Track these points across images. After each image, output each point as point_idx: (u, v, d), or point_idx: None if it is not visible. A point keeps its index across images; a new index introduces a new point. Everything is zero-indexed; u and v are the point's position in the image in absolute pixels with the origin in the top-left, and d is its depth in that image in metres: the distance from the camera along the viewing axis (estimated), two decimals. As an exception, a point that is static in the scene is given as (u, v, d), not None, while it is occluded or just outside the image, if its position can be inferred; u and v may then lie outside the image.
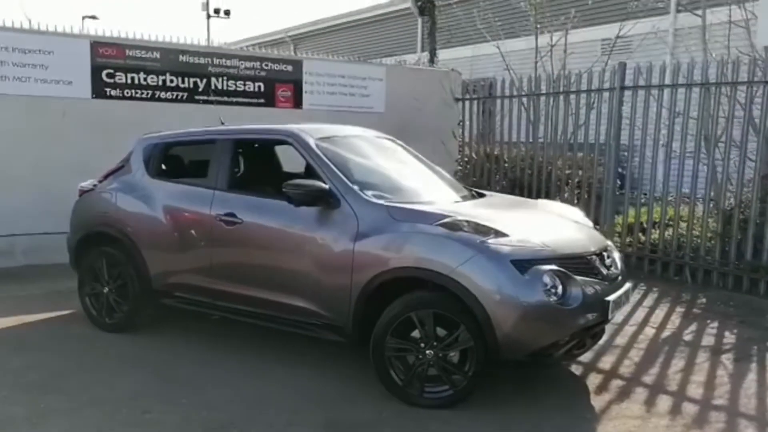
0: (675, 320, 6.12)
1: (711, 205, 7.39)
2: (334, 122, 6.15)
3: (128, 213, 5.41)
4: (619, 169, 8.32)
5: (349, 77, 9.68)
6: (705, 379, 4.71)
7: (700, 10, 8.55)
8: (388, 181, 5.02)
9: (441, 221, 4.17)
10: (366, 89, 9.81)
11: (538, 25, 10.60)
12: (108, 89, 8.01)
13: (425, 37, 12.52)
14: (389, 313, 4.16)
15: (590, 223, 5.17)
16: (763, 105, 6.75)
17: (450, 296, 4.02)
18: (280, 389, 4.37)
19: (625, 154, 8.13)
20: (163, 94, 8.34)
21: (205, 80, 8.57)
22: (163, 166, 5.57)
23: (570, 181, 8.72)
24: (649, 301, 6.75)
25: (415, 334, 4.12)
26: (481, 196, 5.43)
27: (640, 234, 7.99)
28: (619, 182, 8.41)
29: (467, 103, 10.23)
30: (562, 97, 8.68)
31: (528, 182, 9.09)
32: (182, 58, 8.45)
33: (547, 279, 3.94)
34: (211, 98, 7.97)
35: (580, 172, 8.59)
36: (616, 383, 4.61)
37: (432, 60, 12.03)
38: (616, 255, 4.77)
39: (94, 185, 5.76)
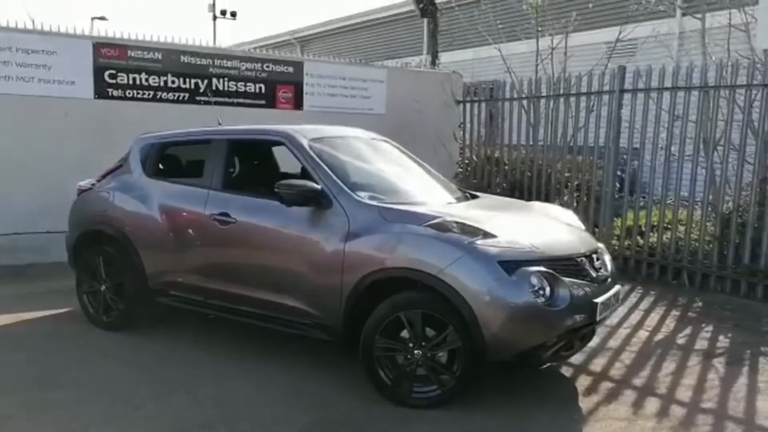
0: (669, 323, 6.12)
1: (709, 208, 7.39)
2: (335, 124, 6.19)
3: (125, 212, 5.47)
4: (619, 172, 8.33)
5: (349, 79, 9.72)
6: (695, 383, 4.71)
7: (701, 14, 8.55)
8: (381, 182, 5.06)
9: (430, 222, 4.20)
10: (367, 91, 9.85)
11: (540, 28, 10.61)
12: (110, 90, 8.08)
13: (434, 39, 12.51)
14: (378, 313, 4.19)
15: (582, 226, 5.19)
16: (762, 108, 6.75)
17: (438, 297, 4.05)
18: (271, 388, 4.40)
19: (625, 157, 8.13)
20: (164, 95, 8.40)
21: (206, 81, 8.63)
22: (160, 166, 5.63)
23: (569, 183, 8.73)
24: (644, 305, 6.76)
25: (404, 334, 4.15)
26: (475, 197, 5.46)
27: (639, 237, 8.00)
28: (618, 185, 8.42)
29: (468, 105, 10.25)
30: (562, 100, 8.70)
31: (528, 185, 9.10)
32: (184, 59, 8.51)
33: (534, 280, 3.97)
34: (210, 99, 8.02)
35: (580, 175, 8.60)
36: (606, 385, 4.62)
37: (434, 62, 12.05)
38: (607, 257, 4.79)
39: (93, 184, 5.82)
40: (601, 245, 4.92)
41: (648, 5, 10.38)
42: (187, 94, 8.52)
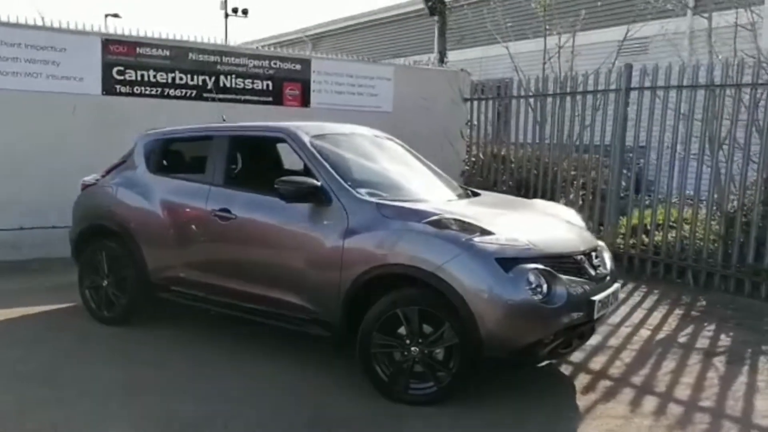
0: (672, 322, 6.11)
1: (714, 207, 7.36)
2: (342, 121, 6.20)
3: (128, 207, 5.52)
4: (624, 171, 8.31)
5: (357, 76, 9.74)
6: (694, 381, 4.71)
7: (707, 13, 8.52)
8: (382, 179, 5.08)
9: (429, 219, 4.21)
10: (374, 88, 9.86)
11: (548, 27, 10.58)
12: (118, 86, 8.13)
13: (443, 37, 12.50)
14: (376, 310, 4.21)
15: (582, 224, 5.18)
16: (767, 107, 6.72)
17: (435, 293, 4.06)
18: (269, 385, 4.43)
19: (630, 155, 8.11)
20: (172, 92, 8.44)
21: (213, 78, 8.67)
22: (163, 162, 5.68)
23: (575, 182, 8.72)
24: (648, 303, 6.75)
25: (401, 330, 4.15)
26: (476, 195, 5.47)
27: (644, 236, 7.97)
28: (624, 184, 8.40)
29: (476, 103, 10.25)
30: (568, 98, 8.69)
31: (534, 183, 9.10)
32: (191, 56, 8.55)
33: (531, 277, 3.97)
34: (214, 95, 8.07)
35: (586, 174, 8.58)
36: (604, 384, 4.62)
37: (442, 60, 12.04)
38: (607, 256, 4.79)
39: (97, 180, 5.87)
40: (601, 243, 4.92)
41: (657, 4, 10.34)
42: (194, 91, 8.56)
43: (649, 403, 4.32)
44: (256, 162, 5.84)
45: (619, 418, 4.08)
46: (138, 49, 8.21)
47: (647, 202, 8.07)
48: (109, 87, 8.07)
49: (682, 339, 5.65)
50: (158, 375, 4.55)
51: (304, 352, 4.97)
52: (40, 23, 7.83)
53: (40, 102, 7.65)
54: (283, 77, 9.18)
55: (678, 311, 6.47)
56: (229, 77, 8.77)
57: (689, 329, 5.91)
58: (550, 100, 9.01)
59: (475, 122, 10.23)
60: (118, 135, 7.12)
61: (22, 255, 7.61)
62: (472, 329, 3.95)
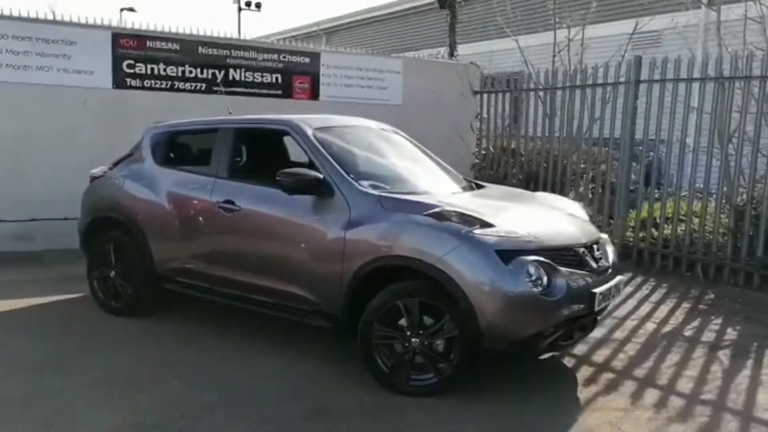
0: (679, 316, 6.09)
1: (723, 200, 7.31)
2: (351, 114, 6.20)
3: (135, 199, 5.57)
4: (634, 164, 8.27)
5: (366, 69, 9.75)
6: (697, 375, 4.69)
7: (716, 6, 8.44)
8: (385, 172, 5.09)
9: (429, 211, 4.22)
10: (383, 81, 9.86)
11: (558, 20, 10.52)
12: (128, 79, 8.20)
13: (453, 30, 12.47)
14: (377, 301, 4.23)
15: (586, 216, 5.17)
16: (776, 100, 6.67)
17: (436, 285, 4.07)
18: (271, 376, 4.46)
19: (640, 148, 8.06)
20: (182, 85, 8.50)
21: (223, 72, 8.72)
22: (170, 155, 5.72)
23: (584, 175, 8.69)
24: (655, 297, 6.72)
25: (402, 322, 4.18)
26: (480, 187, 5.47)
27: (653, 229, 7.93)
28: (633, 177, 8.35)
29: (485, 96, 10.23)
30: (578, 91, 8.65)
31: (544, 176, 9.07)
32: (201, 49, 8.60)
33: (531, 269, 3.97)
34: (221, 88, 8.11)
35: (600, 167, 8.54)
36: (606, 376, 4.61)
37: (452, 54, 12.02)
38: (609, 248, 4.78)
39: (104, 172, 5.93)
40: (603, 236, 4.91)
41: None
42: (204, 84, 8.61)
43: (651, 395, 4.31)
44: (260, 154, 5.86)
45: (619, 410, 4.08)
46: (148, 42, 8.27)
47: (657, 196, 8.03)
48: (119, 80, 8.14)
49: (688, 332, 5.63)
50: (162, 364, 4.60)
51: (307, 344, 5.00)
52: (50, 18, 7.90)
53: (51, 95, 7.73)
54: (293, 70, 9.21)
55: (686, 305, 6.44)
56: (238, 70, 8.81)
57: (696, 323, 5.89)
58: (559, 93, 8.97)
59: (485, 115, 10.20)
60: (129, 127, 7.17)
61: (35, 246, 7.73)
62: (472, 321, 3.97)
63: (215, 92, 8.60)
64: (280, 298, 4.73)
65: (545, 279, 4.00)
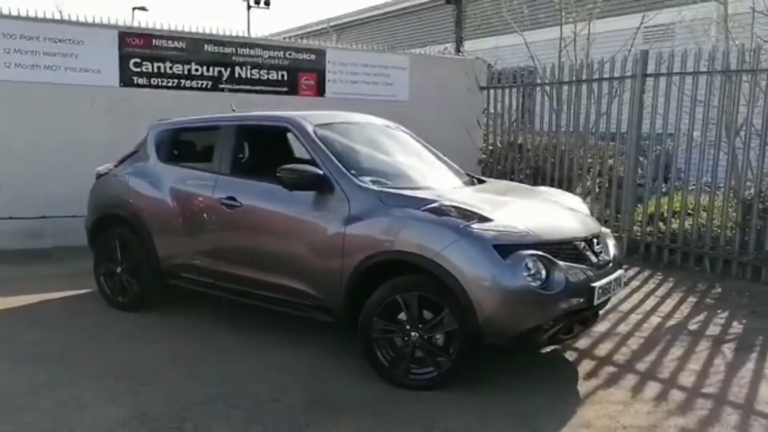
0: (684, 310, 6.07)
1: (731, 194, 7.27)
2: (358, 110, 6.23)
3: (139, 196, 5.63)
4: (641, 158, 8.23)
5: (372, 66, 9.77)
6: (700, 368, 4.67)
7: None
8: (386, 168, 5.12)
9: (428, 206, 4.24)
10: (389, 78, 9.88)
11: (564, 13, 10.48)
12: (135, 78, 8.27)
13: (459, 26, 12.48)
14: (377, 296, 4.25)
15: (587, 210, 5.18)
16: (784, 92, 6.62)
17: (434, 279, 4.09)
18: (272, 369, 4.50)
19: (647, 142, 8.04)
20: (188, 83, 8.56)
21: (229, 69, 8.76)
22: (174, 152, 5.77)
23: (591, 169, 8.67)
24: (661, 291, 6.70)
25: (402, 316, 4.20)
26: (482, 182, 5.49)
27: (661, 223, 7.91)
28: (640, 171, 8.32)
29: (492, 91, 10.22)
30: (584, 86, 8.63)
31: (550, 171, 9.06)
32: (207, 47, 8.66)
33: (529, 263, 3.98)
34: (224, 86, 8.16)
35: (604, 161, 8.52)
36: (608, 370, 4.61)
37: (458, 49, 12.02)
38: (610, 242, 4.78)
39: (110, 169, 5.99)
40: (604, 230, 4.91)
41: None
42: (210, 82, 8.68)
43: (651, 389, 4.31)
44: (262, 151, 5.91)
45: (618, 403, 4.08)
46: (154, 41, 8.33)
47: (664, 190, 7.99)
48: (126, 79, 8.21)
49: (692, 326, 5.61)
50: (166, 358, 4.65)
51: (310, 338, 5.03)
52: (58, 17, 7.98)
53: (59, 94, 7.83)
54: (299, 67, 9.25)
55: (692, 298, 6.42)
56: (244, 68, 8.86)
57: (701, 316, 5.87)
58: (566, 87, 8.95)
59: (492, 110, 10.19)
60: (136, 125, 7.21)
61: (46, 243, 7.83)
62: (471, 315, 3.97)
63: (221, 90, 8.66)
64: (283, 294, 4.77)
65: (543, 273, 4.00)
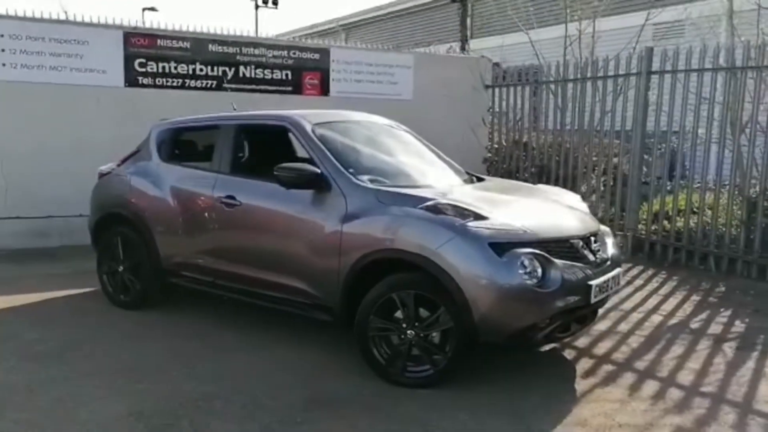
0: (687, 308, 6.04)
1: (736, 192, 7.23)
2: (362, 110, 6.24)
3: (141, 195, 5.66)
4: (646, 156, 8.19)
5: (376, 65, 9.78)
6: (699, 367, 4.65)
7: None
8: (385, 166, 5.12)
9: (425, 204, 4.24)
10: (394, 76, 9.89)
11: (569, 11, 10.45)
12: (140, 78, 8.32)
13: (464, 25, 12.47)
14: (373, 294, 4.25)
15: (586, 209, 5.16)
16: (789, 90, 6.57)
17: (430, 277, 4.09)
18: (270, 367, 4.52)
19: (651, 140, 8.00)
20: (193, 83, 8.61)
21: (233, 69, 8.79)
22: (174, 151, 5.80)
23: (596, 167, 8.63)
24: (665, 289, 6.67)
25: (398, 314, 4.20)
26: (481, 180, 5.48)
27: (666, 222, 7.87)
28: (645, 169, 8.28)
29: (497, 89, 10.20)
30: (589, 83, 8.60)
31: (555, 169, 9.03)
32: (211, 47, 8.70)
33: (525, 261, 3.97)
34: (229, 86, 8.20)
35: (609, 159, 8.49)
36: (606, 368, 4.59)
37: (463, 48, 12.00)
38: (609, 240, 4.76)
39: (112, 169, 6.03)
40: (603, 228, 4.90)
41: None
42: (214, 82, 8.71)
43: (649, 387, 4.29)
44: (262, 150, 5.92)
45: (615, 401, 4.07)
46: (159, 41, 8.38)
47: (669, 188, 7.95)
48: (131, 79, 8.26)
49: (694, 325, 5.58)
50: (165, 355, 4.68)
51: (309, 336, 5.05)
52: (63, 18, 8.04)
53: (65, 94, 7.89)
54: (303, 66, 9.27)
55: (695, 297, 6.38)
56: (248, 67, 8.90)
57: (704, 315, 5.84)
58: (570, 85, 8.92)
59: (497, 109, 10.17)
60: (141, 125, 7.22)
61: (51, 242, 7.89)
62: (467, 313, 3.97)
63: (225, 89, 8.69)
64: (282, 292, 4.78)
65: (539, 271, 3.99)
